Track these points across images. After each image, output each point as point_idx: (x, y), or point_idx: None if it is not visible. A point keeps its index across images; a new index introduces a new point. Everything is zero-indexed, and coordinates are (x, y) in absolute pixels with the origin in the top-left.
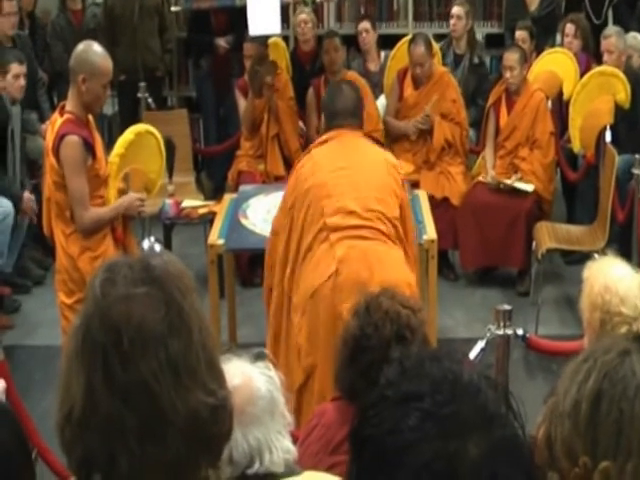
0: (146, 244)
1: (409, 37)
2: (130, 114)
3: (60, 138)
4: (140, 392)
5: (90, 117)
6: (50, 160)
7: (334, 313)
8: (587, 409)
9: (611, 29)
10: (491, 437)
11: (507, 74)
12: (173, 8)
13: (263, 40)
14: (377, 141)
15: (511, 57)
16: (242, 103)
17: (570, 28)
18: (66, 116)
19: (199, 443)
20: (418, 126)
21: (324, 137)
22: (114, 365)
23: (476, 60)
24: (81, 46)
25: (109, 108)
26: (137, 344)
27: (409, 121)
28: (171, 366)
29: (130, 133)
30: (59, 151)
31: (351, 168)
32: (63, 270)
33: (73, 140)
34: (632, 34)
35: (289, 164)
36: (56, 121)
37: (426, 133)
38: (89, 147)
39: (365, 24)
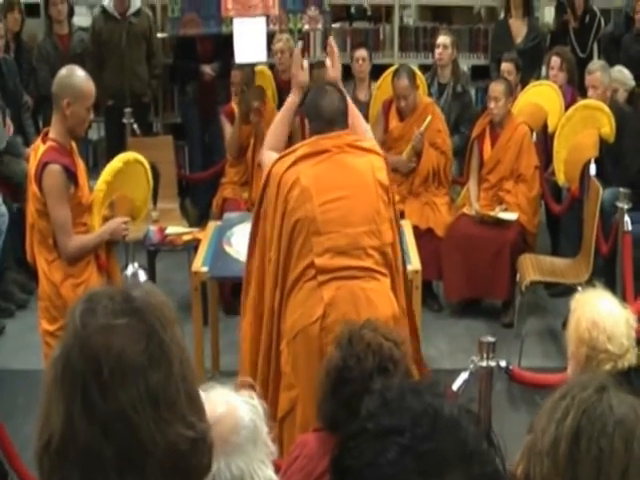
0: (130, 270)
1: (392, 72)
2: (116, 140)
3: (42, 166)
4: (119, 423)
5: (73, 144)
6: (32, 188)
7: (321, 353)
8: (566, 447)
9: (595, 64)
10: (470, 474)
11: (492, 104)
12: (159, 34)
13: (250, 67)
14: None
15: (497, 88)
16: (228, 129)
17: (555, 61)
18: (49, 144)
19: (178, 475)
20: (412, 147)
21: (311, 148)
22: (93, 395)
23: (459, 89)
24: (64, 71)
25: (94, 133)
26: (117, 375)
27: (401, 155)
28: (151, 398)
29: (118, 161)
30: (41, 179)
31: (341, 199)
32: (46, 297)
33: (55, 169)
34: (617, 68)
35: None
36: (39, 148)
37: (414, 159)
38: (71, 175)
39: (362, 52)
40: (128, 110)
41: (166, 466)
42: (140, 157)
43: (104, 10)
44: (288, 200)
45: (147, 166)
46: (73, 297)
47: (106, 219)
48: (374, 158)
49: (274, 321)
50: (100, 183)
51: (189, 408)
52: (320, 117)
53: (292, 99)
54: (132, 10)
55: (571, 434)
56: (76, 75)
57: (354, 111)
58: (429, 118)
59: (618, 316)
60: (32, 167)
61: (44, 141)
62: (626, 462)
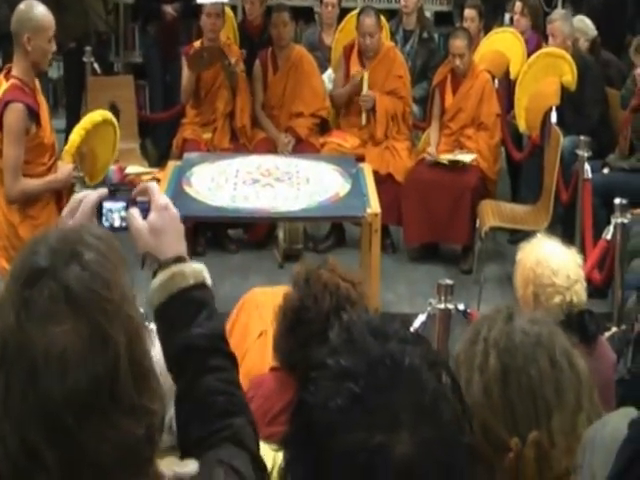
0: None
1: (357, 12)
2: (75, 78)
3: (4, 104)
4: (57, 424)
5: (37, 82)
6: None
7: None
8: (498, 390)
9: (557, 13)
10: (420, 436)
11: (457, 62)
12: None
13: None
14: (323, 119)
15: (458, 44)
16: (186, 69)
17: (518, 6)
18: (11, 81)
19: (128, 469)
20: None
21: None
22: (26, 389)
23: (425, 35)
24: (22, 6)
25: (54, 71)
26: (52, 370)
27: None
28: (92, 395)
29: (99, 115)
30: (2, 118)
31: None
32: (4, 236)
33: (17, 107)
34: (579, 17)
35: (236, 137)
36: (1, 85)
37: (370, 111)
38: (34, 114)
39: None
40: (88, 49)
41: (113, 464)
42: (115, 121)
43: None
44: None
45: (118, 132)
46: (31, 237)
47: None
48: None
49: None
50: (79, 129)
51: (138, 390)
52: None
53: None
54: None
55: (499, 375)
56: (34, 9)
57: None
58: (365, 75)
59: (561, 253)
60: None
61: (7, 78)
62: (555, 378)
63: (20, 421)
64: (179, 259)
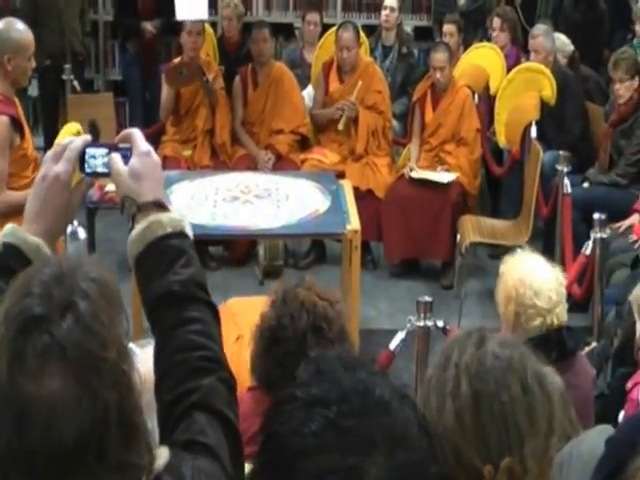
0: (69, 229)
1: (336, 27)
2: (52, 96)
3: None
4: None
5: (16, 99)
6: None
7: None
8: (470, 416)
9: (539, 28)
10: (394, 459)
11: (437, 75)
12: None
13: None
14: (303, 136)
15: (439, 57)
16: (165, 87)
17: (496, 22)
18: None
19: None
20: (343, 108)
21: None
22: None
23: (404, 50)
24: (1, 25)
25: (34, 90)
26: (38, 424)
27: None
28: (79, 450)
29: (74, 127)
30: None
31: None
32: None
33: (1, 120)
34: (556, 34)
35: (216, 154)
36: None
37: (351, 124)
38: (17, 126)
39: (314, 16)
40: (68, 66)
41: None
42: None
43: None
44: None
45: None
46: None
47: None
48: None
49: None
50: (59, 139)
51: (127, 446)
52: None
53: None
54: None
55: (471, 401)
56: (14, 29)
57: None
58: (359, 84)
59: (545, 272)
60: None
61: None
62: (527, 403)
63: (4, 471)
64: (157, 204)
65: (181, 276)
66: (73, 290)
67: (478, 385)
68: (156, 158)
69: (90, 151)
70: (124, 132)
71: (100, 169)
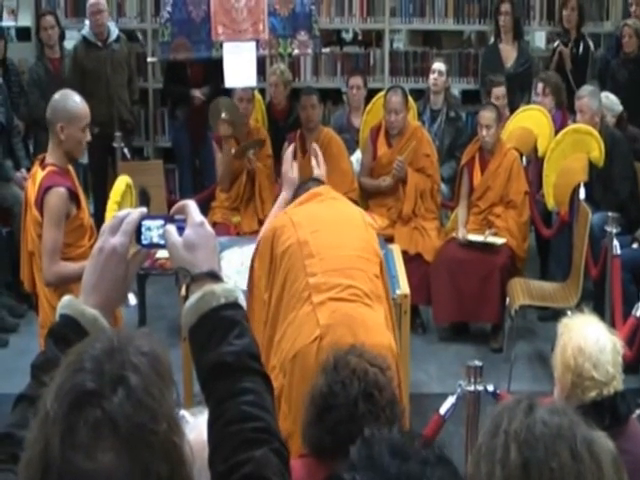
0: None
1: (385, 91)
2: (102, 164)
3: (45, 190)
4: None
5: (70, 167)
6: (33, 214)
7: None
8: None
9: (585, 89)
10: None
11: (483, 132)
12: (150, 59)
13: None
14: (352, 200)
15: (488, 115)
16: (218, 156)
17: (540, 87)
18: (49, 168)
19: None
20: (393, 174)
21: (298, 200)
22: None
23: (452, 114)
24: (56, 96)
25: (84, 157)
26: None
27: (384, 177)
28: None
29: (122, 183)
30: (43, 204)
31: (332, 227)
32: (49, 324)
33: (59, 192)
34: (604, 94)
35: (263, 223)
36: (37, 174)
37: (400, 187)
38: (74, 197)
39: (357, 80)
40: (118, 134)
41: None
42: (131, 183)
43: (84, 38)
44: (278, 234)
45: (133, 193)
46: None
47: None
48: (363, 213)
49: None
50: (111, 204)
51: None
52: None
53: (283, 196)
54: (112, 37)
55: (520, 468)
56: (68, 99)
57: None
58: (412, 144)
59: (604, 343)
60: (32, 193)
61: (42, 167)
62: (577, 470)
63: None
64: (211, 274)
65: (235, 347)
66: (124, 365)
67: (527, 452)
68: (210, 229)
69: (146, 223)
70: (179, 204)
71: (156, 240)
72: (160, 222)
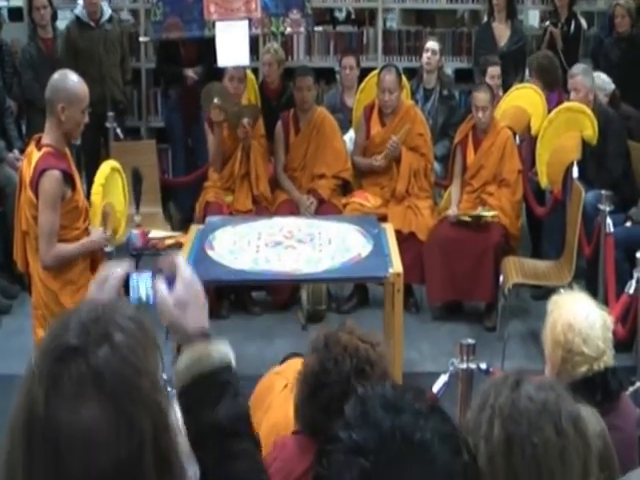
0: None
1: (378, 70)
2: (94, 144)
3: (40, 172)
4: None
5: (67, 150)
6: (28, 195)
7: None
8: (502, 459)
9: (577, 67)
10: None
11: (479, 114)
12: (142, 38)
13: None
14: (345, 180)
15: (482, 97)
16: (210, 137)
17: (528, 70)
18: (45, 150)
19: None
20: (386, 154)
21: None
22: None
23: (446, 93)
24: (56, 76)
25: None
26: (78, 452)
27: (376, 157)
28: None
29: (107, 166)
30: (38, 185)
31: None
32: (42, 305)
33: (54, 174)
34: (595, 74)
35: (257, 201)
36: (32, 154)
37: (393, 166)
38: (69, 179)
39: (350, 60)
40: (111, 114)
41: None
42: (119, 166)
43: (77, 18)
44: None
45: (124, 177)
46: (72, 303)
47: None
48: None
49: None
50: (96, 186)
51: (161, 477)
52: None
53: None
54: (105, 17)
55: (503, 444)
56: (69, 79)
57: None
58: (407, 127)
59: (594, 318)
60: (26, 174)
61: (38, 148)
62: (561, 446)
63: None
64: (203, 335)
65: (227, 411)
66: (110, 325)
67: (510, 427)
68: (199, 285)
69: (134, 277)
70: (167, 258)
71: (144, 296)
72: (148, 275)
